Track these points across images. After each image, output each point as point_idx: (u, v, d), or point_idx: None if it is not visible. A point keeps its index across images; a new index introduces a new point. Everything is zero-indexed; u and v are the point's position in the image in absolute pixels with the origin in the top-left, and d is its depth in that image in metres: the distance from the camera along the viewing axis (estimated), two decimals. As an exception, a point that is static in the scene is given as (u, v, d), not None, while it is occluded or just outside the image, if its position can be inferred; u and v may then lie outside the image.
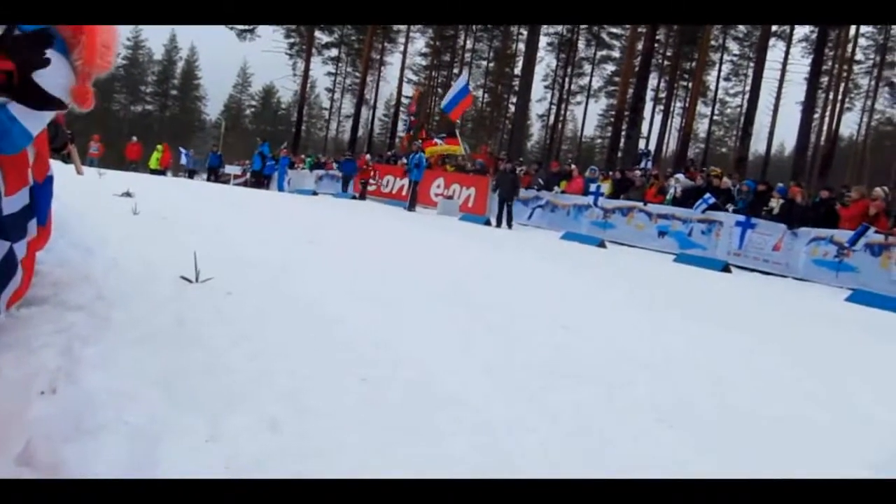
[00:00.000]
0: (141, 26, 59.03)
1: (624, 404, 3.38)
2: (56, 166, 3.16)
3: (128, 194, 8.60)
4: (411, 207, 19.04)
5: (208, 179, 27.76)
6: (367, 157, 24.88)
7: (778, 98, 42.47)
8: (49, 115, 2.51)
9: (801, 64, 40.33)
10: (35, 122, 2.39)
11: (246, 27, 45.65)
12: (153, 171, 25.56)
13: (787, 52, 41.82)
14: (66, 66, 2.38)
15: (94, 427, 2.19)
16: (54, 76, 2.27)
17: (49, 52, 2.21)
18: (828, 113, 40.24)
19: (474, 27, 49.31)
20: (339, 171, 25.36)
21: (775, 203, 13.79)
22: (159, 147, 27.98)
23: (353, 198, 22.01)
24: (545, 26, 43.89)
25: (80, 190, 6.08)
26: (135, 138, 29.17)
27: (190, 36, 61.31)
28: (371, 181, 22.61)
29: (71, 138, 3.53)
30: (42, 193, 2.93)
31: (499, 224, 17.02)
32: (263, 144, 27.63)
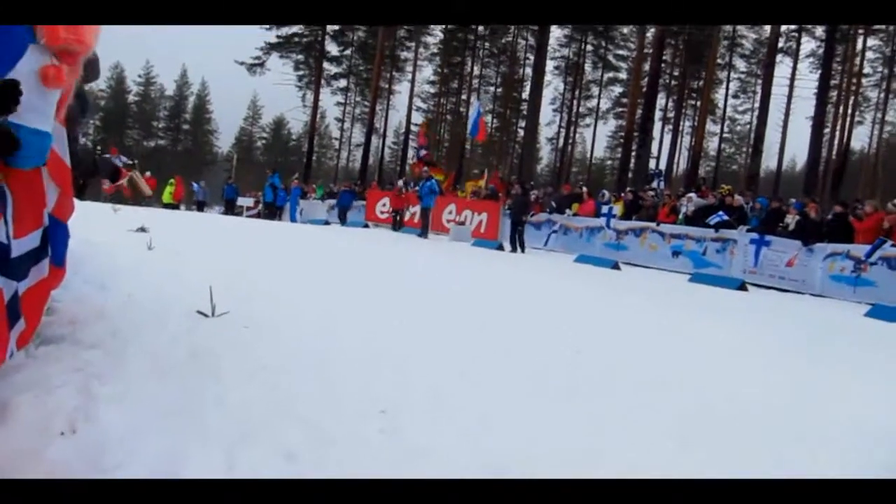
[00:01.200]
0: (152, 63, 60.06)
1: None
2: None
3: (142, 229, 8.64)
4: (424, 234, 19.01)
5: (225, 212, 27.85)
6: (401, 183, 24.37)
7: (787, 114, 42.41)
8: (50, 104, 2.45)
9: (809, 79, 40.24)
10: (35, 116, 2.36)
11: (255, 60, 46.16)
12: (166, 206, 25.75)
13: (794, 68, 41.81)
14: (38, 52, 2.35)
15: (114, 465, 2.19)
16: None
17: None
18: (838, 127, 40.15)
19: (481, 53, 49.68)
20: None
21: (791, 219, 13.72)
22: (171, 181, 28.23)
23: (365, 226, 22.03)
24: (551, 50, 44.25)
25: (95, 225, 6.14)
26: (149, 173, 29.42)
27: (201, 71, 62.32)
28: (407, 210, 22.01)
29: (132, 165, 3.53)
30: (60, 233, 2.94)
31: (514, 248, 16.86)
32: (274, 176, 27.76)
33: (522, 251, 16.79)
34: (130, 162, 3.55)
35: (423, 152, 26.18)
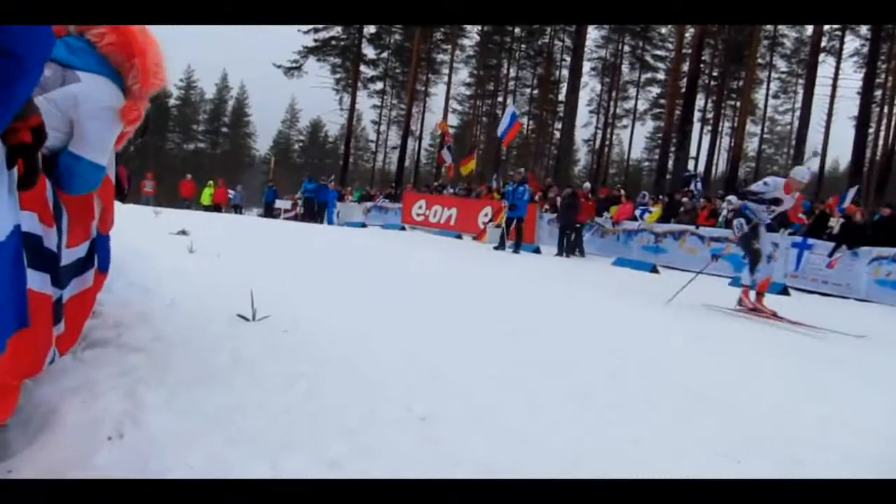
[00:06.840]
0: (193, 67, 60.99)
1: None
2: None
3: (183, 232, 8.77)
4: (517, 250, 16.29)
5: (264, 215, 28.16)
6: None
7: (830, 114, 41.51)
8: (111, 138, 2.57)
9: (852, 79, 39.42)
10: (97, 150, 2.47)
11: (293, 63, 46.57)
12: (205, 208, 26.12)
13: (837, 68, 40.97)
14: (113, 90, 2.49)
15: (160, 472, 2.21)
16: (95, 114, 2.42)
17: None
18: (883, 127, 39.21)
19: (517, 55, 49.57)
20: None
21: (835, 222, 13.48)
22: (210, 183, 28.66)
23: (402, 228, 22.07)
24: (588, 52, 43.93)
25: (137, 228, 6.24)
26: (189, 176, 29.98)
27: (240, 75, 63.20)
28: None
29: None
30: (102, 243, 3.01)
31: (560, 252, 16.69)
32: (310, 182, 28.04)
33: (567, 255, 16.60)
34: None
35: (448, 158, 26.14)
